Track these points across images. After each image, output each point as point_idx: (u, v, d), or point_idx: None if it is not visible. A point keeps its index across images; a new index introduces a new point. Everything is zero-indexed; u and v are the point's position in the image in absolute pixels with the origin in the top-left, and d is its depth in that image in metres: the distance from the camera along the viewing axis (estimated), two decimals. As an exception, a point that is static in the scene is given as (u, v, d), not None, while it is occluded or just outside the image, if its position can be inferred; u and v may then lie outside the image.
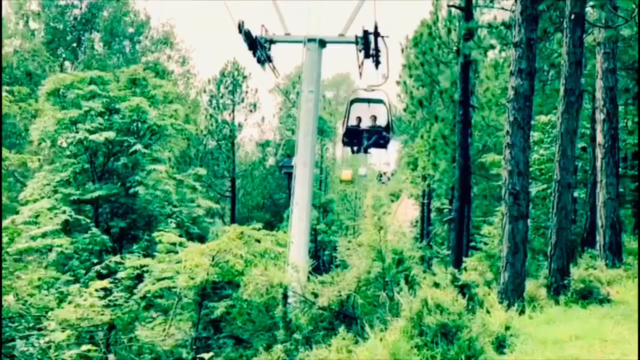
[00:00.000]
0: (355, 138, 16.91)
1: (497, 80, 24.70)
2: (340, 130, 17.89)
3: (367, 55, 16.81)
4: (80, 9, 44.70)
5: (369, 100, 16.99)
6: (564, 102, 11.27)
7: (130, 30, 46.67)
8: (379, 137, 16.68)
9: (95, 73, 24.00)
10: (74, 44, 44.73)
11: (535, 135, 18.91)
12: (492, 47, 20.34)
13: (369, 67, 17.30)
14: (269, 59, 17.91)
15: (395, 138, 18.52)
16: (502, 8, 20.04)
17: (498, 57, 25.67)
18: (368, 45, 16.51)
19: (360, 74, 17.89)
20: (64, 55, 44.40)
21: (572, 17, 11.20)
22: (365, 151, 17.41)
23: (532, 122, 11.62)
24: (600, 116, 14.66)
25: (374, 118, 17.21)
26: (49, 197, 20.26)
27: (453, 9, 25.11)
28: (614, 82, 14.56)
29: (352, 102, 17.19)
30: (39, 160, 19.50)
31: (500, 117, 22.96)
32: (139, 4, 47.35)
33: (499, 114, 23.82)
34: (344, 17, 17.05)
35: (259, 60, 17.72)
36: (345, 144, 17.33)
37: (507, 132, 10.26)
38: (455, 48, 25.13)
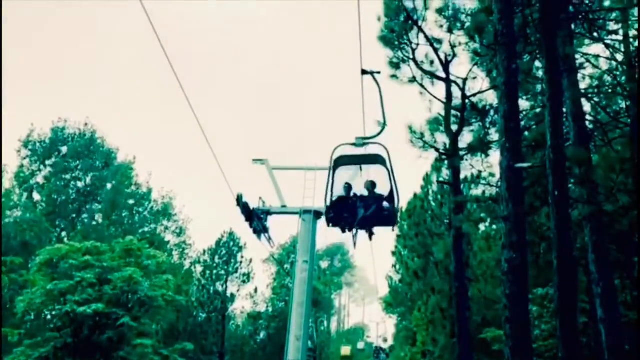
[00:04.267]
0: (346, 212, 11.56)
1: (491, 252, 24.91)
2: (322, 204, 11.79)
3: (360, 227, 17.04)
4: (84, 182, 46.57)
5: (360, 160, 11.78)
6: (558, 275, 11.21)
7: (131, 202, 48.14)
8: (379, 207, 11.39)
9: (91, 243, 24.19)
10: (74, 215, 45.73)
11: (534, 310, 18.47)
12: (483, 220, 20.90)
13: (363, 236, 17.41)
14: (265, 230, 17.87)
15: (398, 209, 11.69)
16: (489, 184, 21.00)
17: (489, 229, 26.19)
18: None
19: (355, 243, 17.69)
20: (62, 226, 45.09)
21: (556, 193, 11.68)
22: (366, 229, 11.87)
23: (530, 296, 11.42)
24: (596, 290, 14.49)
25: (372, 184, 11.66)
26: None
27: (442, 184, 26.36)
28: (605, 256, 14.66)
29: (337, 163, 11.49)
30: (20, 334, 18.65)
31: (498, 290, 22.68)
32: (142, 175, 49.26)
33: (495, 286, 23.57)
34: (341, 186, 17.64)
35: (255, 231, 17.69)
36: (330, 222, 11.71)
37: (505, 306, 10.04)
38: (447, 221, 25.77)
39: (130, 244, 25.24)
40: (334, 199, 11.54)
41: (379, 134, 11.42)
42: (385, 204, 11.37)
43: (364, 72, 11.26)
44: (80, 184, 46.39)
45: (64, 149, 46.28)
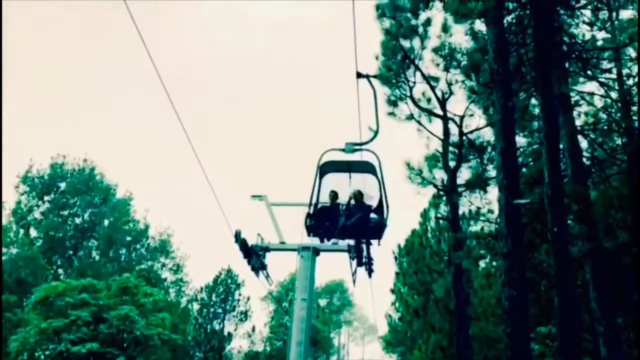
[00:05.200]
0: (327, 220, 10.66)
1: (492, 289, 24.65)
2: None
3: (359, 264, 16.86)
4: (82, 218, 46.37)
5: (349, 167, 10.81)
6: (560, 313, 11.07)
7: (128, 238, 47.88)
8: (363, 218, 10.35)
9: (88, 281, 23.98)
10: (71, 252, 45.39)
11: (536, 349, 18.16)
12: (482, 257, 20.76)
13: (363, 274, 17.23)
14: (263, 267, 17.61)
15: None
16: (488, 220, 20.95)
17: (489, 266, 25.99)
18: (360, 253, 16.65)
19: (354, 281, 17.47)
20: (59, 263, 44.69)
21: (555, 230, 11.64)
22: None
23: (532, 334, 11.26)
24: (599, 328, 14.29)
25: (359, 193, 10.75)
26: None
27: (441, 220, 26.31)
28: (607, 293, 14.52)
29: (324, 169, 10.62)
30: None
31: (499, 328, 22.33)
32: (139, 211, 49.24)
33: (496, 324, 23.23)
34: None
35: (253, 268, 17.42)
36: (310, 230, 10.75)
37: (507, 345, 9.87)
38: (446, 257, 25.60)
39: (126, 281, 25.03)
40: (318, 207, 10.76)
41: (370, 140, 10.44)
42: (373, 215, 10.46)
43: (359, 75, 10.50)
44: (78, 220, 46.20)
45: (63, 185, 46.28)
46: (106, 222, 47.27)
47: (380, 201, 10.31)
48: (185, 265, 49.73)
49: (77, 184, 46.26)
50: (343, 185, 10.96)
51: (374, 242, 10.60)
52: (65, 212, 45.92)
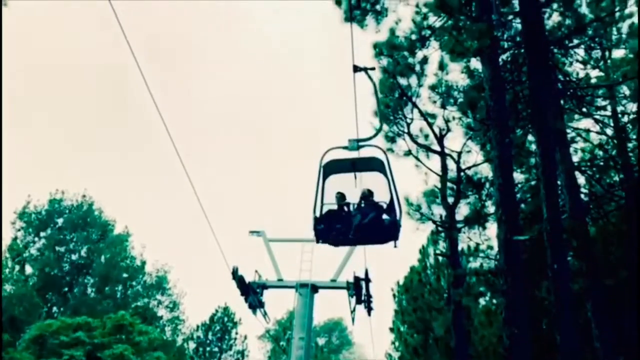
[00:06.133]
0: (339, 222, 9.71)
1: (492, 327, 24.27)
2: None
3: (358, 302, 16.59)
4: (79, 254, 45.97)
5: (354, 165, 9.81)
6: (561, 352, 10.89)
7: (125, 275, 47.37)
8: (377, 218, 9.49)
9: (83, 319, 23.62)
10: (66, 288, 44.81)
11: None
12: (482, 294, 20.54)
13: (362, 312, 16.94)
14: (260, 304, 17.38)
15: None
16: (487, 257, 20.83)
17: (489, 303, 25.68)
18: (359, 291, 16.41)
19: (353, 319, 17.06)
20: (53, 300, 44.06)
21: (555, 267, 11.57)
22: (360, 237, 9.71)
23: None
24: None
25: (369, 192, 9.87)
26: None
27: (440, 256, 26.13)
28: (609, 331, 14.33)
29: (327, 169, 9.74)
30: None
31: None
32: (136, 247, 48.91)
33: (498, 363, 22.79)
34: (337, 258, 17.25)
35: (250, 306, 17.26)
36: (320, 236, 9.65)
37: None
38: (445, 295, 25.30)
39: (122, 319, 24.66)
40: (324, 212, 9.85)
41: (375, 135, 9.45)
42: (385, 216, 9.58)
43: (355, 68, 9.56)
44: (74, 257, 45.79)
45: (60, 221, 46.07)
46: (102, 258, 46.85)
47: (391, 200, 9.46)
48: (181, 302, 49.09)
49: (74, 220, 46.06)
50: (348, 186, 10.05)
51: (389, 244, 9.59)
52: (62, 249, 45.57)
